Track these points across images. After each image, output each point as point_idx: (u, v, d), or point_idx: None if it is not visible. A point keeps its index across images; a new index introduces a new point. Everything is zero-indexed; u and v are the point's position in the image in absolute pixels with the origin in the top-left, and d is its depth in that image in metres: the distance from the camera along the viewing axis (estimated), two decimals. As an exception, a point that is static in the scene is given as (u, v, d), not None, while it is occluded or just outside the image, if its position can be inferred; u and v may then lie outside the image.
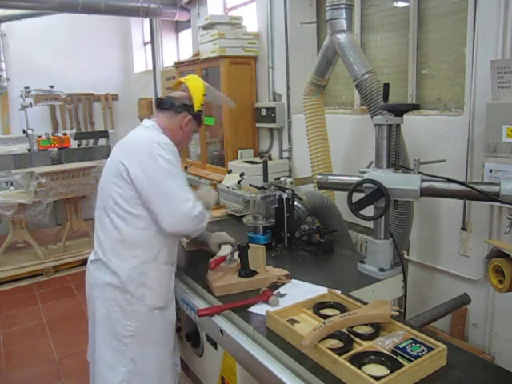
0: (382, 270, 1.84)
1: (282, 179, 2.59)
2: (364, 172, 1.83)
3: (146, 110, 6.61)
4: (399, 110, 1.80)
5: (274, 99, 4.11)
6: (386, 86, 1.85)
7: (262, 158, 4.04)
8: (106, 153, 4.68)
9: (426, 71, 2.92)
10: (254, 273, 1.80)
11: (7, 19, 5.84)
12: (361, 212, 1.75)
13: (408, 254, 2.89)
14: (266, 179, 2.41)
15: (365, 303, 1.47)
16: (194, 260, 2.15)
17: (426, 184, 1.69)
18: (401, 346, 1.23)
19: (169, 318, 1.86)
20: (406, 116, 1.83)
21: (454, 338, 2.59)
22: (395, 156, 1.83)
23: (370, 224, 2.03)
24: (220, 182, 3.61)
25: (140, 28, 7.28)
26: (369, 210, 1.79)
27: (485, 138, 2.24)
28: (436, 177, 1.70)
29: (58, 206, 5.11)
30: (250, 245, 1.83)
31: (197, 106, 1.91)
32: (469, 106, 2.44)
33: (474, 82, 2.40)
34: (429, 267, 2.81)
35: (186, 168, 4.69)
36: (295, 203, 2.24)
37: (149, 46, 6.72)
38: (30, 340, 3.46)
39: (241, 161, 4.07)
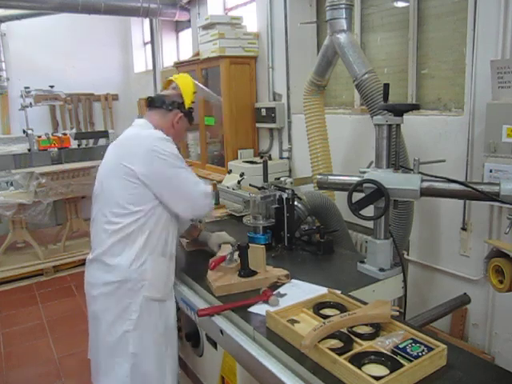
0: (382, 269, 1.84)
1: (282, 179, 2.59)
2: (364, 172, 1.83)
3: (146, 110, 6.60)
4: (399, 110, 1.80)
5: (274, 99, 4.11)
6: (386, 86, 1.85)
7: (262, 157, 4.03)
8: (106, 153, 4.66)
9: (426, 71, 2.92)
10: (254, 273, 1.80)
11: (7, 19, 5.84)
12: (361, 212, 1.75)
13: (408, 254, 2.89)
14: (265, 179, 2.41)
15: (365, 303, 1.47)
16: (194, 260, 2.15)
17: (426, 184, 1.69)
18: (401, 346, 1.23)
19: (169, 310, 1.87)
20: (406, 116, 1.83)
21: (454, 338, 2.59)
22: (395, 156, 1.83)
23: (370, 224, 2.03)
24: (220, 182, 3.61)
25: (140, 28, 7.28)
26: (369, 210, 1.79)
27: (485, 138, 2.24)
28: (436, 177, 1.70)
29: (58, 206, 5.11)
30: (250, 245, 1.83)
31: (187, 104, 1.96)
32: (469, 106, 2.44)
33: (474, 82, 2.40)
34: (429, 267, 2.81)
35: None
36: (295, 203, 2.24)
37: (149, 46, 6.72)
38: (30, 340, 3.46)
39: (241, 161, 4.07)
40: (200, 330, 2.09)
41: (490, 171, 2.20)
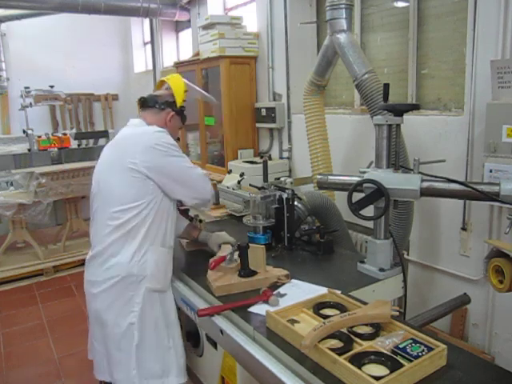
0: (381, 269, 1.84)
1: (282, 179, 2.59)
2: (364, 172, 1.83)
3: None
4: (399, 110, 1.80)
5: (274, 99, 4.11)
6: (386, 85, 1.85)
7: (261, 157, 4.03)
8: (106, 153, 4.65)
9: (426, 71, 2.92)
10: (253, 273, 1.80)
11: (7, 19, 5.84)
12: (361, 212, 1.75)
13: (408, 254, 2.89)
14: (265, 179, 2.41)
15: (365, 303, 1.47)
16: (194, 260, 2.15)
17: (426, 184, 1.69)
18: (401, 346, 1.23)
19: (169, 301, 1.91)
20: (406, 116, 1.83)
21: (454, 338, 2.59)
22: (395, 156, 1.83)
23: (370, 224, 2.03)
24: (220, 182, 3.61)
25: (140, 28, 7.28)
26: (369, 210, 1.79)
27: (485, 138, 2.24)
28: (436, 177, 1.70)
29: (58, 206, 5.10)
30: (250, 245, 1.83)
31: (179, 102, 2.00)
32: (469, 106, 2.44)
33: (474, 82, 2.40)
34: (429, 267, 2.81)
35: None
36: (295, 203, 2.24)
37: (149, 46, 6.72)
38: (30, 340, 3.45)
39: (241, 161, 4.07)
40: (200, 330, 2.09)
41: (490, 171, 2.20)
